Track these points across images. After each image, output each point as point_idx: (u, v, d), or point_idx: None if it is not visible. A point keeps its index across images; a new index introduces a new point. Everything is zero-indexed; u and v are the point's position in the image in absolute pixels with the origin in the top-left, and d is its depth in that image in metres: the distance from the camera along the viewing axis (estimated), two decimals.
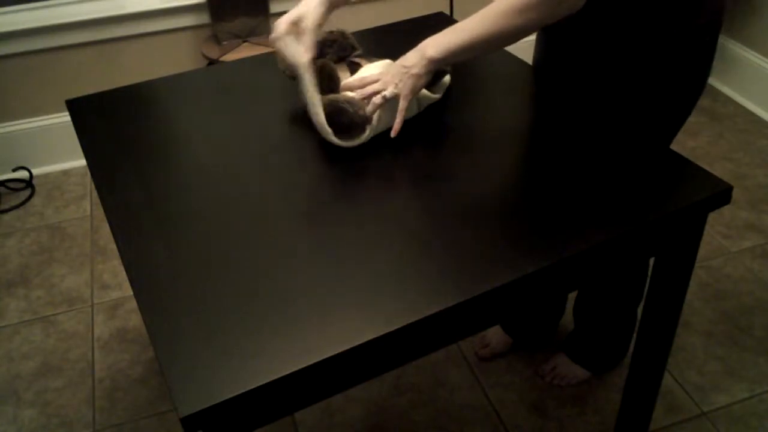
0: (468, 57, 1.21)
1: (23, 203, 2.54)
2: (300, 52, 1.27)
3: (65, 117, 2.64)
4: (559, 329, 1.96)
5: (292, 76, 1.38)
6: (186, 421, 0.83)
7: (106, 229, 2.41)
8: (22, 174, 2.65)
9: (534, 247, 1.03)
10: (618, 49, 1.30)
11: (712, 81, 2.98)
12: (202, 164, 1.25)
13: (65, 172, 2.70)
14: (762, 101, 2.80)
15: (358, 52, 1.39)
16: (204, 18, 2.58)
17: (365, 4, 2.75)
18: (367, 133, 1.25)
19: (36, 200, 2.56)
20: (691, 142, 2.66)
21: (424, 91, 1.30)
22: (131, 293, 2.12)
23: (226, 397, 0.84)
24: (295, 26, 1.28)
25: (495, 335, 1.90)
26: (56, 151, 2.68)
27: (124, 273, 2.22)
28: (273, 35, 1.29)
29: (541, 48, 1.49)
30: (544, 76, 1.46)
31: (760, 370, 1.82)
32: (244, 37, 2.54)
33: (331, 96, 1.24)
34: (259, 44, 2.52)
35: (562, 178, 1.16)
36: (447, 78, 1.37)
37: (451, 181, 1.17)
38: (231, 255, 1.04)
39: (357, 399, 1.80)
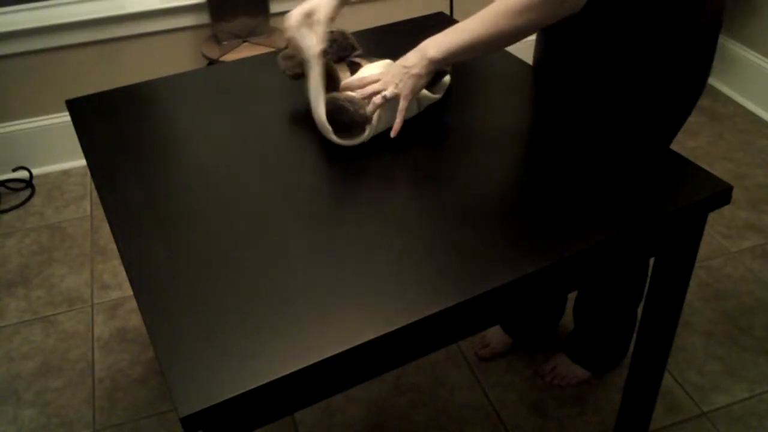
0: (468, 57, 1.21)
1: (23, 203, 2.54)
2: (312, 44, 1.26)
3: (65, 117, 2.64)
4: (559, 329, 1.96)
5: (292, 75, 1.38)
6: (186, 421, 0.83)
7: (106, 229, 2.41)
8: (22, 174, 2.65)
9: (534, 247, 1.03)
10: (618, 49, 1.30)
11: (712, 81, 2.98)
12: (202, 164, 1.25)
13: (65, 172, 2.70)
14: (762, 101, 2.80)
15: (358, 52, 1.39)
16: (204, 18, 2.58)
17: (365, 4, 2.75)
18: (367, 133, 1.25)
19: (36, 200, 2.56)
20: (691, 142, 2.66)
21: (425, 91, 1.30)
22: (131, 293, 2.13)
23: (226, 397, 0.84)
24: (308, 18, 1.28)
25: (495, 335, 1.90)
26: (56, 151, 2.68)
27: (124, 273, 2.22)
28: (286, 25, 1.29)
29: (541, 48, 1.49)
30: (544, 76, 1.46)
31: (760, 370, 1.82)
32: (244, 37, 2.54)
33: (332, 94, 1.24)
34: (259, 44, 2.52)
35: (562, 178, 1.16)
36: (447, 78, 1.37)
37: (451, 181, 1.17)
38: (231, 255, 1.05)
39: (357, 399, 1.80)
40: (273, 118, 1.37)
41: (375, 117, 1.24)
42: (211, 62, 2.44)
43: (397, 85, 1.21)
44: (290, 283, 0.99)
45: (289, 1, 2.64)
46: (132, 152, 1.29)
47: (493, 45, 1.19)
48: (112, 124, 1.38)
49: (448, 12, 2.79)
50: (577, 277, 1.10)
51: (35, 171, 2.68)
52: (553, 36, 1.43)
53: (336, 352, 0.89)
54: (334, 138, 1.24)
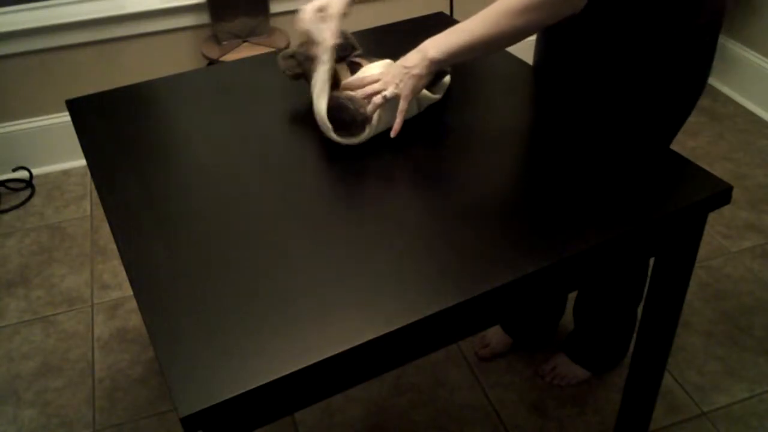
0: (469, 58, 1.21)
1: (23, 203, 2.54)
2: (326, 38, 1.27)
3: (65, 117, 2.64)
4: (559, 329, 1.96)
5: (292, 75, 1.38)
6: (186, 421, 0.83)
7: (106, 229, 2.41)
8: (22, 174, 2.65)
9: (534, 247, 1.03)
10: (618, 50, 1.30)
11: (712, 81, 2.99)
12: (202, 164, 1.25)
13: (65, 172, 2.70)
14: (762, 101, 2.80)
15: (358, 52, 1.39)
16: (204, 18, 2.58)
17: (365, 4, 2.75)
18: (367, 132, 1.25)
19: (36, 200, 2.56)
20: (691, 142, 2.66)
21: (425, 92, 1.30)
22: (131, 293, 2.13)
23: (226, 397, 0.84)
24: (321, 13, 1.28)
25: (495, 335, 1.90)
26: (56, 151, 2.69)
27: (124, 273, 2.22)
28: (300, 19, 1.29)
29: (541, 48, 1.49)
30: (544, 76, 1.46)
31: (760, 370, 1.82)
32: (244, 37, 2.54)
33: (334, 92, 1.24)
34: (259, 44, 2.52)
35: (562, 178, 1.16)
36: (447, 78, 1.38)
37: (451, 181, 1.17)
38: (231, 255, 1.05)
39: (357, 399, 1.80)
40: (273, 118, 1.37)
41: (375, 117, 1.24)
42: (211, 62, 2.44)
43: (397, 85, 1.21)
44: (290, 283, 0.99)
45: (289, 1, 2.64)
46: (132, 152, 1.29)
47: (494, 45, 1.19)
48: (112, 124, 1.38)
49: (448, 12, 2.79)
50: (577, 277, 1.10)
51: (35, 171, 2.68)
52: (553, 36, 1.43)
53: (336, 352, 0.89)
54: (333, 136, 1.24)
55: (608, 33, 1.29)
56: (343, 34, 1.39)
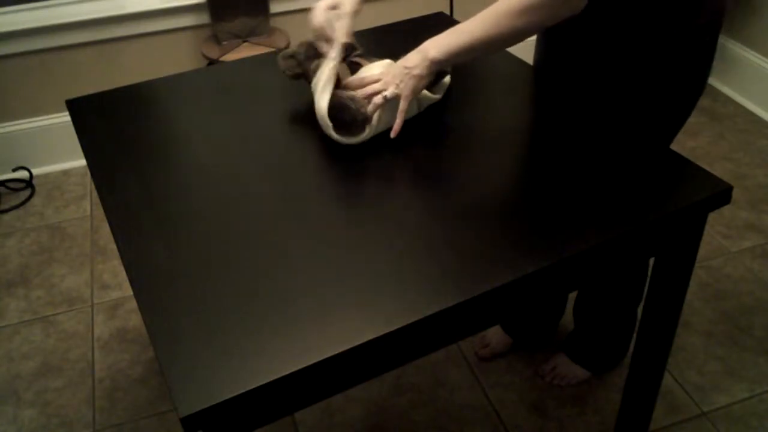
0: (469, 58, 1.21)
1: (23, 203, 2.54)
2: (337, 36, 1.28)
3: (65, 117, 2.64)
4: (559, 329, 1.96)
5: (292, 75, 1.38)
6: (186, 421, 0.83)
7: (106, 229, 2.41)
8: (22, 174, 2.65)
9: (534, 247, 1.03)
10: (618, 50, 1.30)
11: (712, 81, 2.99)
12: (202, 164, 1.25)
13: (65, 172, 2.70)
14: (762, 101, 2.80)
15: (358, 52, 1.39)
16: (204, 18, 2.58)
17: (365, 4, 2.74)
18: (367, 132, 1.25)
19: (36, 200, 2.56)
20: (691, 142, 2.66)
21: (425, 92, 1.30)
22: (131, 293, 2.13)
23: (226, 397, 0.84)
24: (333, 11, 1.29)
25: (495, 335, 1.90)
26: (56, 151, 2.69)
27: (124, 273, 2.22)
28: (313, 13, 1.30)
29: (541, 49, 1.49)
30: (544, 76, 1.46)
31: (760, 370, 1.82)
32: (244, 37, 2.54)
33: (336, 91, 1.24)
34: (259, 44, 2.52)
35: (562, 178, 1.16)
36: (447, 78, 1.38)
37: (451, 181, 1.17)
38: (231, 255, 1.05)
39: (357, 399, 1.80)
40: (273, 118, 1.37)
41: (375, 117, 1.24)
42: (211, 62, 2.44)
43: (397, 85, 1.21)
44: (290, 283, 0.99)
45: (289, 1, 2.64)
46: (132, 152, 1.29)
47: (494, 46, 1.19)
48: (112, 124, 1.38)
49: (448, 12, 2.79)
50: (577, 277, 1.10)
51: (35, 171, 2.68)
52: (553, 36, 1.43)
53: (336, 352, 0.89)
54: (333, 134, 1.24)
55: (608, 33, 1.29)
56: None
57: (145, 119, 1.39)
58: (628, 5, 1.24)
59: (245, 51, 2.47)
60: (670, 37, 1.26)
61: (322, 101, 1.23)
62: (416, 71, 1.20)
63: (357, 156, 1.24)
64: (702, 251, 2.18)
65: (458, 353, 1.91)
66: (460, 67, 1.47)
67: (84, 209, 2.50)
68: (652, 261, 1.39)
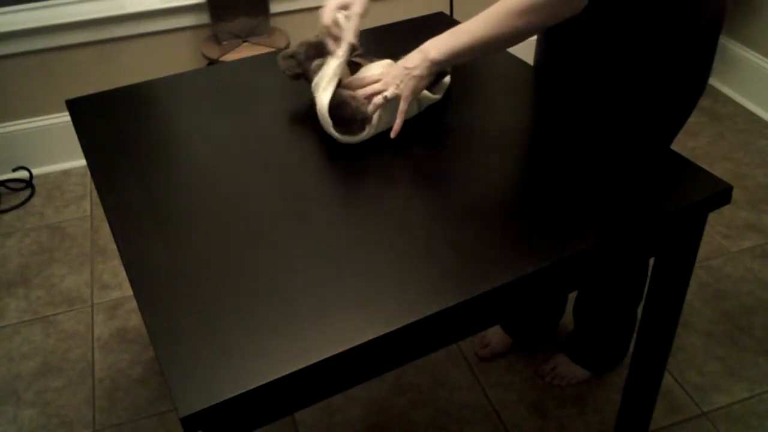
0: (470, 59, 1.21)
1: (23, 203, 2.54)
2: (347, 34, 1.28)
3: (65, 117, 2.64)
4: (559, 329, 1.96)
5: (292, 75, 1.38)
6: (186, 421, 0.83)
7: (106, 229, 2.41)
8: (22, 174, 2.65)
9: (534, 247, 1.03)
10: (618, 50, 1.30)
11: (712, 81, 2.99)
12: (202, 164, 1.25)
13: (65, 172, 2.70)
14: (762, 101, 2.80)
15: (358, 52, 1.39)
16: (204, 18, 2.58)
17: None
18: (366, 132, 1.25)
19: (36, 200, 2.56)
20: (691, 142, 2.66)
21: (425, 92, 1.30)
22: (131, 293, 2.13)
23: (226, 397, 0.84)
24: (342, 11, 1.30)
25: (495, 335, 1.90)
26: (56, 151, 2.69)
27: (124, 273, 2.22)
28: (322, 12, 1.31)
29: (542, 49, 1.49)
30: (545, 76, 1.46)
31: (760, 370, 1.82)
32: (244, 37, 2.54)
33: (336, 89, 1.24)
34: (259, 44, 2.52)
35: (563, 178, 1.16)
36: (447, 78, 1.38)
37: (451, 181, 1.17)
38: (231, 255, 1.05)
39: (357, 399, 1.80)
40: (273, 118, 1.37)
41: (375, 117, 1.24)
42: (211, 62, 2.44)
43: (398, 85, 1.21)
44: (290, 283, 0.99)
45: (289, 1, 2.64)
46: (132, 152, 1.29)
47: (495, 46, 1.19)
48: (112, 124, 1.38)
49: (448, 12, 2.79)
50: (577, 277, 1.10)
51: (35, 171, 2.68)
52: (554, 37, 1.43)
53: (336, 352, 0.89)
54: (332, 131, 1.24)
55: (608, 34, 1.29)
56: None
57: (145, 119, 1.39)
58: (629, 5, 1.24)
59: (245, 51, 2.47)
60: (670, 38, 1.26)
61: (324, 98, 1.23)
62: (416, 72, 1.20)
63: (357, 156, 1.24)
64: (702, 251, 2.18)
65: (458, 353, 1.91)
66: (460, 67, 1.46)
67: (84, 209, 2.50)
68: (652, 261, 1.39)
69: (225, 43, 2.51)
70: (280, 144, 1.29)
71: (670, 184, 1.14)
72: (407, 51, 1.24)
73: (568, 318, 1.97)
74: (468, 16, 1.19)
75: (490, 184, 1.17)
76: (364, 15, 1.31)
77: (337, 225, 1.09)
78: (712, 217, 2.30)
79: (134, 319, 2.06)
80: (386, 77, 1.24)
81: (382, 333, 0.91)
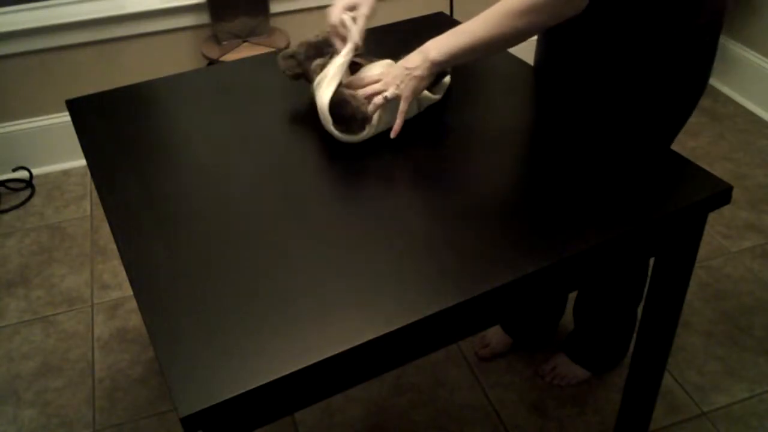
0: (470, 59, 1.21)
1: (23, 203, 2.54)
2: (354, 35, 1.28)
3: (65, 117, 2.64)
4: (559, 329, 1.96)
5: (292, 75, 1.38)
6: (186, 421, 0.83)
7: (106, 229, 2.41)
8: (22, 174, 2.65)
9: (534, 247, 1.03)
10: (619, 50, 1.30)
11: (712, 81, 2.98)
12: (202, 164, 1.25)
13: (65, 172, 2.70)
14: (762, 101, 2.80)
15: (358, 52, 1.39)
16: (204, 18, 2.58)
17: None
18: (366, 132, 1.25)
19: (36, 200, 2.56)
20: (691, 142, 2.66)
21: (425, 92, 1.30)
22: (131, 293, 2.13)
23: (226, 397, 0.84)
24: (350, 12, 1.31)
25: (495, 335, 1.90)
26: (56, 151, 2.69)
27: (124, 273, 2.22)
28: (330, 12, 1.31)
29: (542, 49, 1.49)
30: (545, 76, 1.46)
31: (760, 370, 1.82)
32: (244, 37, 2.54)
33: (337, 88, 1.24)
34: (259, 44, 2.52)
35: (563, 178, 1.16)
36: (447, 78, 1.38)
37: (451, 181, 1.17)
38: (231, 255, 1.05)
39: (357, 399, 1.80)
40: (273, 118, 1.37)
41: (375, 117, 1.24)
42: (211, 62, 2.44)
43: (398, 86, 1.21)
44: (290, 283, 0.99)
45: (289, 1, 2.64)
46: (132, 152, 1.29)
47: (495, 47, 1.19)
48: (112, 124, 1.38)
49: (448, 12, 2.79)
50: (577, 277, 1.10)
51: (35, 171, 2.68)
52: (554, 37, 1.43)
53: (336, 352, 0.89)
54: (332, 129, 1.24)
55: (609, 34, 1.29)
56: None
57: (145, 119, 1.39)
58: (629, 5, 1.24)
59: (245, 51, 2.47)
60: (670, 38, 1.26)
61: (325, 95, 1.23)
62: (417, 72, 1.20)
63: (357, 156, 1.24)
64: (702, 251, 2.18)
65: (458, 353, 1.91)
66: (460, 67, 1.46)
67: (84, 209, 2.50)
68: (652, 261, 1.39)
69: (225, 43, 2.51)
70: (280, 144, 1.29)
71: (670, 184, 1.14)
72: (407, 51, 1.24)
73: (568, 318, 1.97)
74: (468, 16, 1.19)
75: (490, 184, 1.17)
76: (370, 17, 1.32)
77: (337, 225, 1.09)
78: (712, 217, 2.30)
79: (134, 319, 2.06)
80: (386, 77, 1.24)
81: (382, 333, 0.91)
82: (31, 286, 2.19)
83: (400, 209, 1.11)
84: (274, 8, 2.62)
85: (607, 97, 1.35)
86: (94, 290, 2.17)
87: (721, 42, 2.92)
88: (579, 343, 1.80)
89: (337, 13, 1.30)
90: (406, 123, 1.27)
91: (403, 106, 1.22)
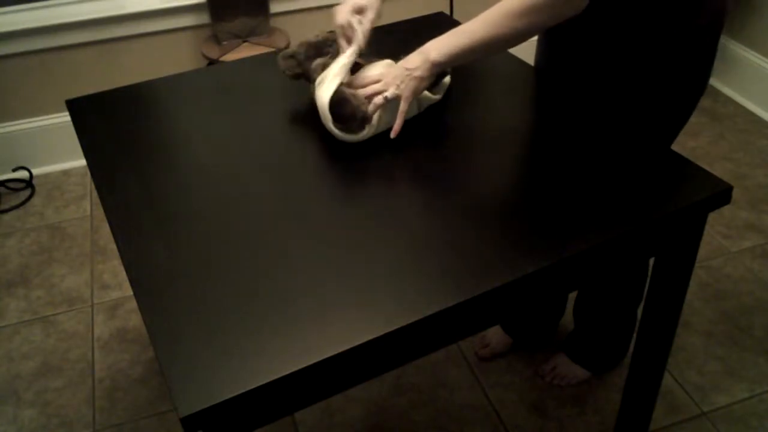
0: (470, 60, 1.21)
1: (23, 203, 2.54)
2: (360, 38, 1.29)
3: (65, 117, 2.64)
4: (559, 329, 1.96)
5: (292, 75, 1.38)
6: (186, 421, 0.83)
7: (106, 229, 2.41)
8: (22, 174, 2.65)
9: (534, 247, 1.03)
10: (619, 50, 1.30)
11: (712, 81, 2.98)
12: (202, 164, 1.25)
13: (65, 172, 2.70)
14: (762, 101, 2.80)
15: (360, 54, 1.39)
16: (204, 18, 2.58)
17: None
18: (366, 131, 1.25)
19: (36, 200, 2.56)
20: (691, 142, 2.66)
21: (425, 92, 1.30)
22: (131, 293, 2.13)
23: (226, 397, 0.84)
24: (356, 13, 1.31)
25: (495, 335, 1.90)
26: (56, 151, 2.69)
27: (124, 273, 2.22)
28: (336, 13, 1.32)
29: (542, 49, 1.49)
30: (545, 76, 1.46)
31: (760, 370, 1.82)
32: (244, 37, 2.54)
33: (338, 87, 1.25)
34: (259, 44, 2.52)
35: (563, 178, 1.16)
36: (447, 78, 1.38)
37: (452, 181, 1.17)
38: (231, 255, 1.04)
39: (357, 399, 1.80)
40: (273, 118, 1.37)
41: (375, 117, 1.24)
42: (211, 62, 2.44)
43: (398, 86, 1.21)
44: (290, 283, 0.99)
45: (289, 1, 2.64)
46: (132, 152, 1.29)
47: (496, 47, 1.19)
48: (112, 124, 1.38)
49: (448, 12, 2.79)
50: (577, 277, 1.10)
51: (35, 171, 2.68)
52: (554, 37, 1.43)
53: (336, 352, 0.89)
54: (332, 127, 1.24)
55: (609, 34, 1.29)
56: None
57: (145, 119, 1.39)
58: (630, 6, 1.24)
59: (245, 51, 2.47)
60: (671, 38, 1.26)
61: (326, 93, 1.23)
62: (417, 73, 1.20)
63: (357, 156, 1.24)
64: (702, 251, 2.18)
65: (458, 353, 1.91)
66: (460, 67, 1.46)
67: (84, 209, 2.50)
68: (652, 261, 1.39)
69: (225, 43, 2.51)
70: (280, 144, 1.29)
71: (671, 184, 1.14)
72: (407, 51, 1.24)
73: (568, 318, 1.97)
74: (468, 16, 1.19)
75: (490, 184, 1.17)
76: (376, 21, 1.32)
77: (337, 225, 1.09)
78: (712, 217, 2.30)
79: (134, 319, 2.06)
80: (387, 77, 1.24)
81: (382, 333, 0.91)
82: (31, 286, 2.19)
83: (400, 209, 1.11)
84: (274, 8, 2.62)
85: (607, 98, 1.35)
86: (94, 290, 2.17)
87: (721, 42, 2.92)
88: (579, 343, 1.80)
89: (344, 15, 1.30)
90: (406, 123, 1.27)
91: (403, 106, 1.22)
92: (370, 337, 0.91)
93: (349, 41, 1.30)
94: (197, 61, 2.66)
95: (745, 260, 2.14)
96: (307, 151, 1.27)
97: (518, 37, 1.17)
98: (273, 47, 2.49)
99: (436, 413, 1.76)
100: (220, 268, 1.02)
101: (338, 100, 1.23)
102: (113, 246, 2.32)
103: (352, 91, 1.24)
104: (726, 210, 2.33)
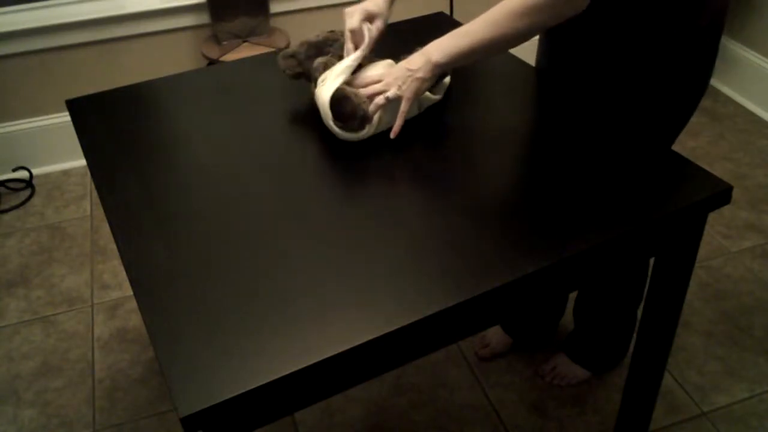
0: (472, 60, 1.21)
1: (23, 203, 2.54)
2: (368, 45, 1.30)
3: (65, 117, 2.64)
4: (559, 329, 1.96)
5: (292, 75, 1.38)
6: (186, 421, 0.83)
7: (106, 229, 2.41)
8: (22, 174, 2.65)
9: (534, 247, 1.03)
10: (620, 51, 1.30)
11: (713, 81, 2.98)
12: (202, 164, 1.25)
13: (65, 172, 2.70)
14: (762, 101, 2.80)
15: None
16: (204, 18, 2.58)
17: None
18: (366, 131, 1.25)
19: (36, 200, 2.56)
20: (692, 142, 2.66)
21: (425, 92, 1.30)
22: (131, 293, 2.13)
23: (226, 397, 0.84)
24: (368, 15, 1.32)
25: (495, 335, 1.90)
26: (56, 151, 2.68)
27: (124, 273, 2.22)
28: (348, 15, 1.33)
29: (543, 49, 1.49)
30: (546, 76, 1.46)
31: (760, 370, 1.82)
32: (244, 37, 2.54)
33: (340, 85, 1.25)
34: (259, 44, 2.52)
35: (563, 178, 1.16)
36: (447, 79, 1.38)
37: (452, 181, 1.17)
38: (231, 255, 1.04)
39: (357, 399, 1.80)
40: (273, 118, 1.37)
41: (375, 117, 1.24)
42: (211, 62, 2.44)
43: (399, 87, 1.22)
44: (290, 283, 0.99)
45: (289, 1, 2.64)
46: (132, 152, 1.29)
47: (497, 48, 1.19)
48: (112, 124, 1.38)
49: (448, 12, 2.79)
50: (577, 277, 1.10)
51: (35, 171, 2.68)
52: (555, 37, 1.43)
53: (336, 352, 0.89)
54: (331, 124, 1.24)
55: (610, 34, 1.29)
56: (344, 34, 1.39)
57: (145, 119, 1.39)
58: (630, 6, 1.24)
59: (245, 51, 2.47)
60: (671, 38, 1.26)
61: (328, 91, 1.23)
62: (419, 74, 1.20)
63: (357, 156, 1.24)
64: (702, 251, 2.18)
65: (458, 353, 1.91)
66: (460, 67, 1.46)
67: (84, 209, 2.50)
68: (652, 261, 1.39)
69: (225, 43, 2.51)
70: (280, 144, 1.29)
71: (671, 184, 1.14)
72: (407, 51, 1.24)
73: (568, 318, 1.97)
74: (468, 16, 1.19)
75: (490, 184, 1.17)
76: (383, 31, 1.34)
77: (337, 225, 1.09)
78: (712, 217, 2.30)
79: (134, 319, 2.06)
80: (388, 78, 1.24)
81: (382, 333, 0.91)
82: (31, 286, 2.19)
83: (400, 209, 1.11)
84: (274, 8, 2.62)
85: (608, 98, 1.35)
86: (94, 290, 2.17)
87: (722, 42, 2.90)
88: (579, 343, 1.80)
89: (356, 21, 1.31)
90: (407, 123, 1.27)
91: (404, 106, 1.22)
92: (370, 337, 0.91)
93: (357, 46, 1.31)
94: (197, 61, 2.66)
95: (745, 260, 2.14)
96: (307, 151, 1.27)
97: (519, 37, 1.17)
98: (273, 47, 2.49)
99: (436, 413, 1.76)
100: (220, 268, 1.02)
101: (339, 98, 1.23)
102: (113, 246, 2.32)
103: (353, 89, 1.24)
104: (726, 210, 2.33)
